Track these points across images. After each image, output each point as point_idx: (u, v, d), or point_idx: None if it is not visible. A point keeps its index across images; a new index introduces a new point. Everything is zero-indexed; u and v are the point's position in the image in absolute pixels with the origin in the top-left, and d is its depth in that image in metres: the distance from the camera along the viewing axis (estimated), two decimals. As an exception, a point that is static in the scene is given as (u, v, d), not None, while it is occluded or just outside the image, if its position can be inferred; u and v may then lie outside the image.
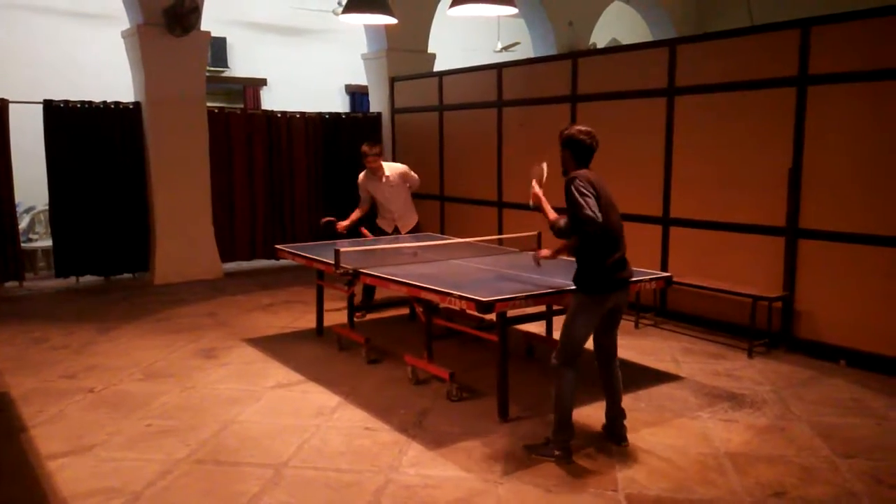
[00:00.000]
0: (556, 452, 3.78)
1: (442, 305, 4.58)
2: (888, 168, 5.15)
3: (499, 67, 8.46)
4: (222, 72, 11.99)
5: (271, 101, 12.17)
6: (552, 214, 3.91)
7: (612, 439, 4.03)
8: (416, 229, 7.04)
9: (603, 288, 3.77)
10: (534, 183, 4.08)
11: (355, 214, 6.83)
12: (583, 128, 3.85)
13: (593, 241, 3.69)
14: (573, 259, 3.92)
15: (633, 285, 4.64)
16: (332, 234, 6.82)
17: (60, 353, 5.83)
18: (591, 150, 3.83)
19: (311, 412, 4.54)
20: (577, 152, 3.83)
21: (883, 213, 5.19)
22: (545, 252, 4.51)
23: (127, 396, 4.85)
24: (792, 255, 5.72)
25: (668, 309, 6.70)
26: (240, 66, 12.23)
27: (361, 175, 6.80)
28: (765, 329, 5.81)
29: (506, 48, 13.02)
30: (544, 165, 4.09)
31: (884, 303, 5.22)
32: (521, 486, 3.56)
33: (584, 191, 3.60)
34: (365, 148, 6.67)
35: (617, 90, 6.97)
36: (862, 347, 5.34)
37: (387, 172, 6.73)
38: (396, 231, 6.93)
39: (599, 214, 3.56)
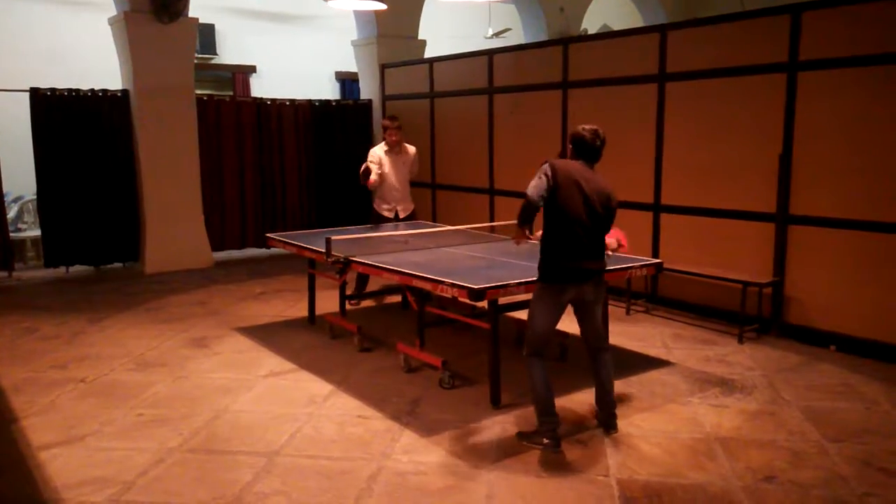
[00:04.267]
0: (545, 441, 3.79)
1: (434, 293, 4.58)
2: (879, 154, 5.17)
3: (490, 54, 8.42)
4: (211, 59, 11.89)
5: (261, 88, 12.08)
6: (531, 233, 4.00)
7: (602, 427, 4.05)
8: (413, 215, 7.02)
9: (556, 277, 3.77)
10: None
11: (376, 179, 6.61)
12: (588, 126, 3.89)
13: (551, 230, 3.75)
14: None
15: (623, 272, 4.68)
16: (337, 220, 6.74)
17: (51, 344, 5.80)
18: (592, 146, 3.84)
19: (304, 400, 4.54)
20: (577, 147, 3.88)
21: (873, 198, 5.20)
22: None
23: (118, 386, 4.84)
24: (782, 241, 5.74)
25: (660, 295, 6.72)
26: (229, 53, 12.14)
27: (378, 147, 6.78)
28: (755, 315, 5.83)
29: (497, 34, 12.96)
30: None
31: (874, 288, 5.25)
32: (512, 473, 3.57)
33: (540, 174, 3.71)
34: (386, 122, 6.75)
35: (608, 76, 6.95)
36: (852, 333, 5.38)
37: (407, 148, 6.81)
38: (397, 216, 6.90)
39: (535, 195, 3.67)
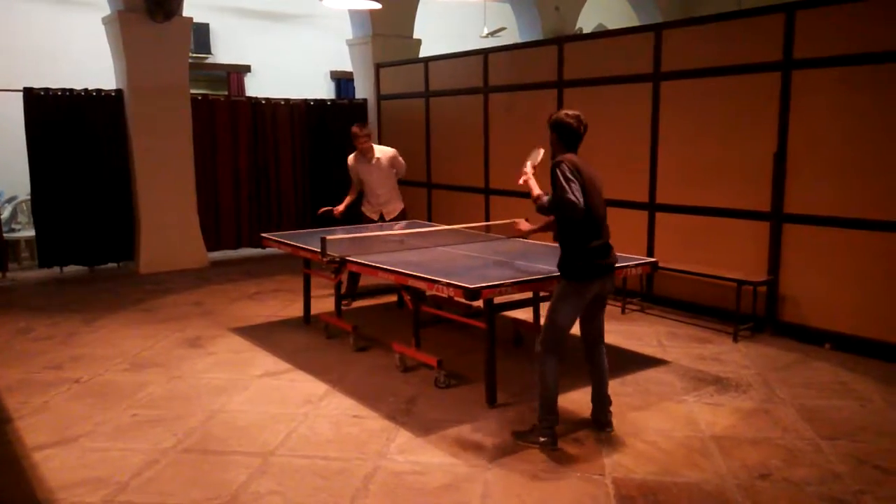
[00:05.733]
0: (542, 438, 3.80)
1: (429, 293, 4.57)
2: (872, 152, 5.18)
3: (485, 53, 8.42)
4: (205, 58, 11.85)
5: (255, 87, 12.06)
6: (536, 191, 3.92)
7: (598, 425, 4.05)
8: (401, 216, 7.01)
9: (586, 275, 3.77)
10: (528, 164, 4.08)
11: (348, 199, 6.87)
12: (571, 112, 3.85)
13: (575, 227, 3.71)
14: (556, 245, 3.93)
15: (618, 271, 4.68)
16: (330, 221, 6.83)
17: (45, 344, 5.78)
18: (578, 133, 3.83)
19: (299, 401, 4.53)
20: (563, 136, 3.83)
21: (868, 197, 5.22)
22: (525, 225, 4.57)
23: (113, 386, 4.82)
24: (777, 240, 5.75)
25: (655, 294, 6.73)
26: (223, 52, 12.10)
27: (351, 157, 6.78)
28: (750, 313, 5.85)
29: (492, 34, 12.96)
30: (541, 151, 4.09)
31: (868, 286, 5.26)
32: (508, 472, 3.57)
33: (570, 175, 3.61)
34: (355, 129, 6.63)
35: (603, 75, 6.96)
36: (846, 331, 5.39)
37: (377, 155, 6.73)
38: (382, 218, 6.91)
39: (582, 200, 3.58)
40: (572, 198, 3.55)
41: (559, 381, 3.86)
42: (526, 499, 3.34)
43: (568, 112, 3.84)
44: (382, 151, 6.79)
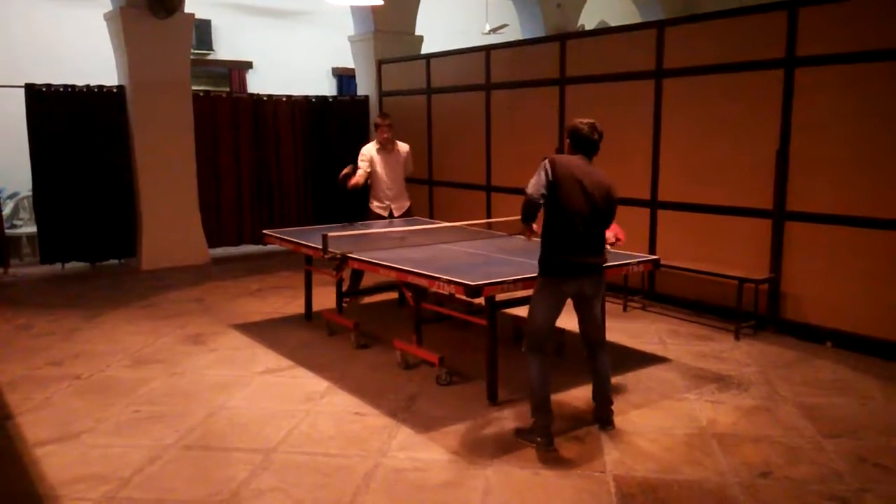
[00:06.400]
0: (538, 438, 3.79)
1: (431, 290, 4.57)
2: (874, 150, 5.17)
3: (487, 50, 8.40)
4: (207, 55, 11.86)
5: (257, 84, 12.06)
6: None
7: (599, 423, 4.04)
8: (408, 213, 7.00)
9: (556, 271, 3.78)
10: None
11: (357, 182, 6.55)
12: (586, 119, 3.90)
13: (550, 224, 3.75)
14: None
15: (620, 269, 4.67)
16: (342, 216, 6.82)
17: (47, 340, 5.79)
18: (589, 139, 3.85)
19: (301, 397, 4.53)
20: (574, 141, 3.89)
21: (870, 195, 5.20)
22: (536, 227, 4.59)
23: (114, 383, 4.83)
24: (779, 238, 5.74)
25: (656, 291, 6.72)
26: (225, 48, 12.10)
27: (370, 145, 6.74)
28: (752, 311, 5.84)
29: (494, 30, 12.95)
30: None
31: (870, 284, 5.25)
32: (509, 469, 3.57)
33: (541, 172, 3.72)
34: (378, 119, 6.71)
35: (605, 72, 6.95)
36: (848, 329, 5.39)
37: (397, 147, 6.79)
38: (391, 214, 6.89)
39: (533, 192, 3.70)
40: (527, 188, 3.73)
41: (551, 378, 3.86)
42: (527, 496, 3.34)
43: (583, 120, 3.90)
44: (400, 145, 6.83)
